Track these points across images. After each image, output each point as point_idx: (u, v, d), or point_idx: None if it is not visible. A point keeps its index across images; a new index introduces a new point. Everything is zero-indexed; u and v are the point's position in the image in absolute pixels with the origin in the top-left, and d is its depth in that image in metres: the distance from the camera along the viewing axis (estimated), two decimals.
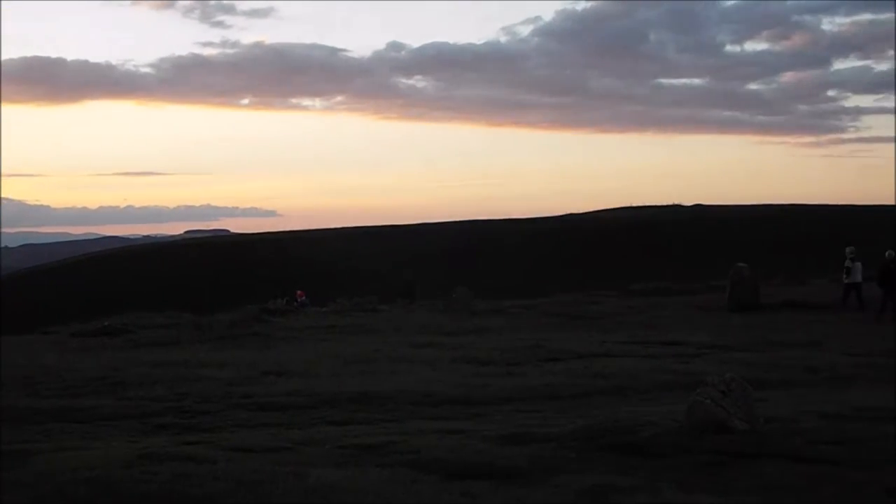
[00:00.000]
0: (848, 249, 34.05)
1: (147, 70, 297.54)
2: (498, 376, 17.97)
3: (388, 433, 12.09)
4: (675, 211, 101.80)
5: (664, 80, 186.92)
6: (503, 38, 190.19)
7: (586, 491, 8.64)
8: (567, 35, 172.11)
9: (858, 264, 33.33)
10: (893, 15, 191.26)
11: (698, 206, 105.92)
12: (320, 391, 16.27)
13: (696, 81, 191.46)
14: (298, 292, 41.80)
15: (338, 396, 15.78)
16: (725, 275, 35.94)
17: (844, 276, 33.32)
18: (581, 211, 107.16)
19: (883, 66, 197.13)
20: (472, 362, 20.37)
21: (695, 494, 8.51)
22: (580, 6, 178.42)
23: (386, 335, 27.12)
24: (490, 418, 13.78)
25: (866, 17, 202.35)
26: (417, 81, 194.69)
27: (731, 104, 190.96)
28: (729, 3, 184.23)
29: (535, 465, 9.71)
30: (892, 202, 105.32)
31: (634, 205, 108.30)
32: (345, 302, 37.08)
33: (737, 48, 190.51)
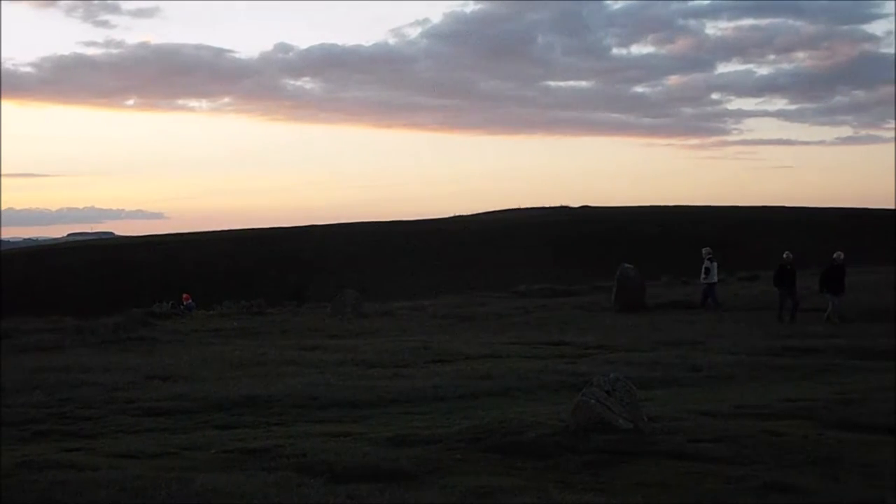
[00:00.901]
0: (704, 250, 35.01)
1: (28, 69, 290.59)
2: (385, 378, 17.93)
3: (274, 437, 12.00)
4: (562, 212, 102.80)
5: (552, 83, 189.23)
6: (392, 40, 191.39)
7: (472, 492, 8.68)
8: (455, 37, 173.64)
9: (715, 264, 34.42)
10: (775, 20, 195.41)
11: (586, 208, 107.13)
12: (206, 395, 16.07)
13: (584, 84, 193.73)
14: (185, 295, 41.23)
15: (224, 400, 15.59)
16: (612, 276, 36.39)
17: (703, 276, 34.26)
18: (469, 212, 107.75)
19: (764, 70, 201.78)
20: (360, 365, 20.30)
21: (579, 493, 8.61)
22: (468, 8, 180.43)
23: (273, 338, 26.92)
24: (377, 420, 13.76)
25: (748, 21, 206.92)
26: (306, 83, 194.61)
27: (617, 106, 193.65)
28: (615, 6, 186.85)
29: (421, 467, 9.73)
30: (776, 203, 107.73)
31: (523, 206, 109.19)
32: (232, 305, 36.69)
33: (623, 51, 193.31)
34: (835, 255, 30.24)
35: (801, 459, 10.00)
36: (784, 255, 30.73)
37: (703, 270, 34.54)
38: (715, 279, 34.72)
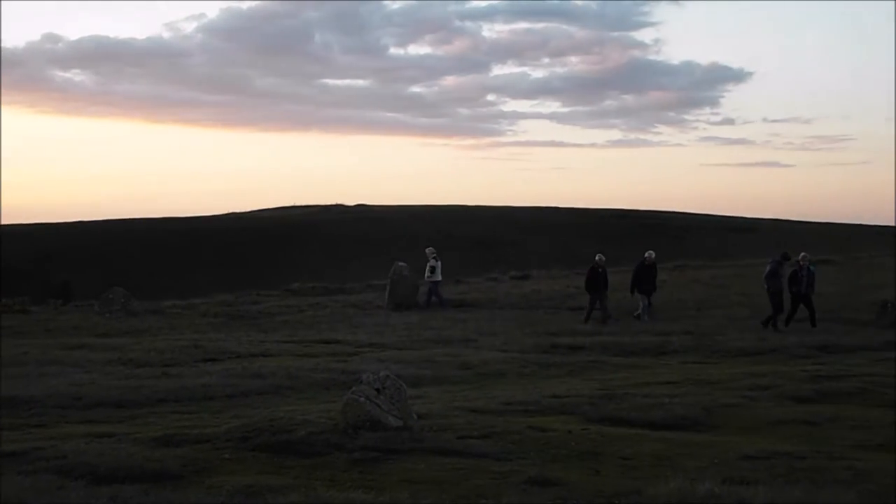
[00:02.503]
0: (429, 250, 35.72)
1: None
2: (153, 378, 17.53)
3: (33, 439, 11.56)
4: (337, 210, 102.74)
5: (329, 81, 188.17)
6: (166, 34, 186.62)
7: (239, 491, 8.56)
8: (232, 33, 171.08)
9: (440, 263, 35.20)
10: (549, 24, 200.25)
11: (361, 206, 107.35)
12: None
13: (361, 83, 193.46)
14: None
15: None
16: (385, 274, 36.57)
17: (428, 274, 34.98)
18: (244, 210, 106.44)
19: (539, 74, 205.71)
20: (128, 364, 19.81)
21: (347, 491, 8.58)
22: (245, 5, 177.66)
23: (36, 337, 25.99)
24: (143, 421, 13.44)
25: (523, 25, 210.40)
26: (75, 75, 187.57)
27: (394, 106, 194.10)
28: (393, 6, 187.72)
29: (187, 467, 9.54)
30: (548, 204, 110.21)
31: (298, 204, 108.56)
32: None
33: (401, 51, 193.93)
34: (646, 255, 30.32)
35: (566, 454, 10.25)
36: (596, 258, 30.70)
37: (427, 269, 35.29)
38: (439, 277, 35.52)
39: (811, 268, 27.64)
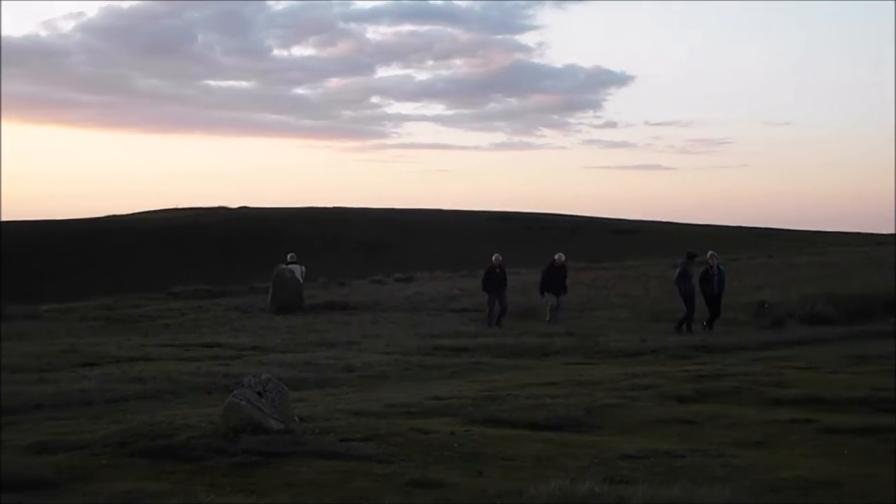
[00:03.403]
0: (290, 256, 35.85)
1: None
2: (29, 383, 17.11)
3: None
4: (220, 213, 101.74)
5: (212, 82, 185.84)
6: (43, 33, 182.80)
7: (117, 497, 8.41)
8: (112, 32, 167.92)
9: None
10: (434, 27, 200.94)
11: (244, 209, 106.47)
12: None
13: (244, 84, 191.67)
14: None
15: None
16: (269, 277, 36.36)
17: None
18: (124, 212, 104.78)
19: (423, 76, 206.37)
20: (2, 370, 19.34)
21: (227, 496, 8.49)
22: (126, 4, 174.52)
23: None
24: (19, 427, 13.09)
25: (408, 27, 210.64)
26: None
27: (278, 108, 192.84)
28: (277, 7, 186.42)
29: (63, 474, 9.33)
30: (432, 206, 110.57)
31: (180, 206, 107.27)
32: None
33: (284, 52, 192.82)
34: (556, 256, 30.18)
35: (449, 455, 10.26)
36: (493, 258, 30.31)
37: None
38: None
39: (721, 267, 27.57)
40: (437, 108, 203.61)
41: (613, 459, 9.98)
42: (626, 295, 34.21)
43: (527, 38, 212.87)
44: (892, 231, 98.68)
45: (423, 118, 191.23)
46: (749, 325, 27.47)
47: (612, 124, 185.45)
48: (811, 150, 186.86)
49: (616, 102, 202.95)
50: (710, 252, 28.10)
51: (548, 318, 29.16)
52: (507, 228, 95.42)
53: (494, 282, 29.66)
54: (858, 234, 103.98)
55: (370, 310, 33.94)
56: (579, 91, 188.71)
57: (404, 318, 30.93)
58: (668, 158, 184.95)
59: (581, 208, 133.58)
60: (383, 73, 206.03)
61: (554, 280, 29.63)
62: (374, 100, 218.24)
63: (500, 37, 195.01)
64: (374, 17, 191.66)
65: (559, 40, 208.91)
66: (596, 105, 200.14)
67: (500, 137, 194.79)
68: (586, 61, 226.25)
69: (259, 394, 10.92)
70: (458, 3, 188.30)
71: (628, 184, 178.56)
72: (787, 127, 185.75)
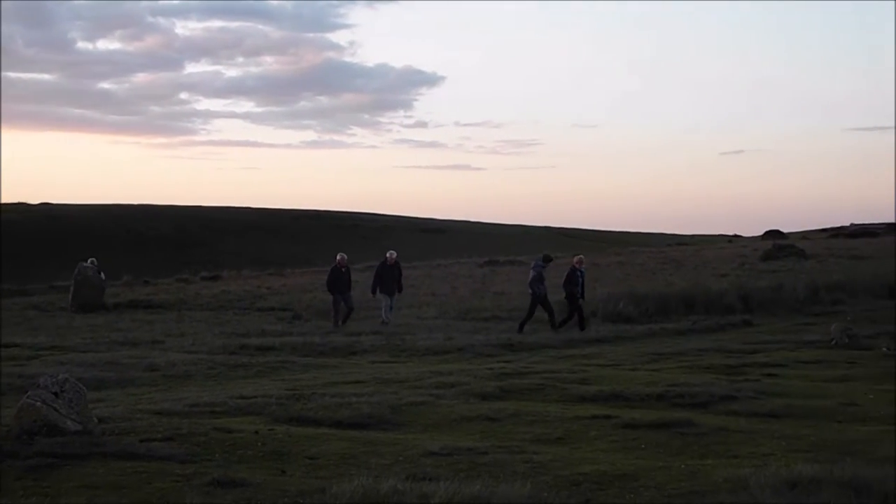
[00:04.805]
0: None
1: None
2: None
3: None
4: (20, 209, 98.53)
5: (13, 75, 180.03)
6: None
7: None
8: None
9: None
10: (244, 23, 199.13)
11: (46, 205, 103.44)
12: None
13: (47, 77, 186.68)
14: None
15: None
16: (70, 275, 35.43)
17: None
18: None
19: (233, 73, 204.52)
20: None
21: (20, 499, 8.21)
22: None
23: None
24: None
25: (217, 23, 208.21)
26: None
27: (82, 102, 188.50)
28: (81, 0, 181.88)
29: None
30: (242, 204, 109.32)
31: None
32: None
33: (89, 46, 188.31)
34: (388, 254, 29.65)
35: (252, 455, 10.15)
36: (338, 257, 29.38)
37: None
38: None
39: (582, 270, 27.77)
40: (247, 106, 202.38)
41: (417, 457, 10.03)
42: (433, 293, 34.49)
43: (338, 37, 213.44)
44: (691, 232, 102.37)
45: (233, 115, 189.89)
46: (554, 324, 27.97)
47: (422, 124, 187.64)
48: (617, 153, 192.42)
49: (427, 102, 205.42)
50: (578, 256, 28.49)
51: (383, 319, 28.68)
52: (316, 227, 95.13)
53: (340, 282, 28.92)
54: (661, 234, 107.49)
55: (175, 309, 33.37)
56: (390, 90, 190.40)
57: (210, 317, 30.53)
58: (477, 159, 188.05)
59: (391, 207, 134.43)
60: (192, 69, 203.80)
61: (387, 279, 29.20)
62: (183, 96, 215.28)
63: (311, 35, 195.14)
64: (183, 12, 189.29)
65: (371, 39, 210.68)
66: (407, 105, 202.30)
67: (310, 136, 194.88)
68: (397, 61, 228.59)
69: (55, 394, 10.58)
70: (270, 0, 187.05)
71: (438, 183, 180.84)
72: (594, 129, 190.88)
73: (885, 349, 19.58)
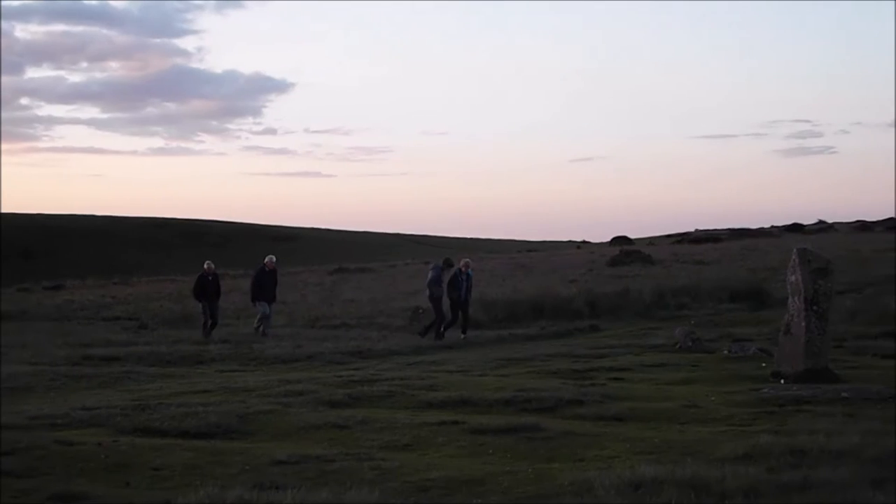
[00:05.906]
0: None
1: None
2: None
3: None
4: None
5: None
6: None
7: None
8: None
9: None
10: (88, 28, 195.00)
11: None
12: None
13: None
14: None
15: None
16: None
17: None
18: None
19: (77, 78, 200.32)
20: None
21: None
22: None
23: None
24: None
25: (60, 27, 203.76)
26: None
27: None
28: None
29: None
30: (86, 212, 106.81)
31: None
32: None
33: None
34: (267, 259, 28.45)
35: (94, 467, 9.96)
36: (206, 265, 28.05)
37: None
38: None
39: (469, 273, 27.36)
40: (92, 112, 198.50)
41: (264, 466, 9.96)
42: (283, 301, 34.20)
43: (186, 43, 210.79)
44: (541, 238, 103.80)
45: (77, 121, 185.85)
46: (404, 330, 28.07)
47: (271, 131, 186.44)
48: (467, 160, 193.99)
49: (276, 109, 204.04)
50: (464, 260, 27.98)
51: (259, 330, 27.35)
52: (161, 235, 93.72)
53: (207, 290, 27.81)
54: (511, 240, 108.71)
55: (16, 319, 32.47)
56: (239, 97, 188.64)
57: (52, 328, 29.79)
58: (327, 166, 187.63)
59: (239, 214, 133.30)
60: (34, 73, 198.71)
61: (266, 286, 27.96)
62: (24, 101, 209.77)
63: (158, 40, 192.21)
64: (23, 14, 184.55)
65: (219, 45, 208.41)
66: (256, 111, 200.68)
67: (157, 142, 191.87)
68: (246, 67, 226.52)
69: None
70: (115, 3, 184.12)
71: (288, 191, 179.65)
72: (444, 136, 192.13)
73: (726, 352, 20.10)
